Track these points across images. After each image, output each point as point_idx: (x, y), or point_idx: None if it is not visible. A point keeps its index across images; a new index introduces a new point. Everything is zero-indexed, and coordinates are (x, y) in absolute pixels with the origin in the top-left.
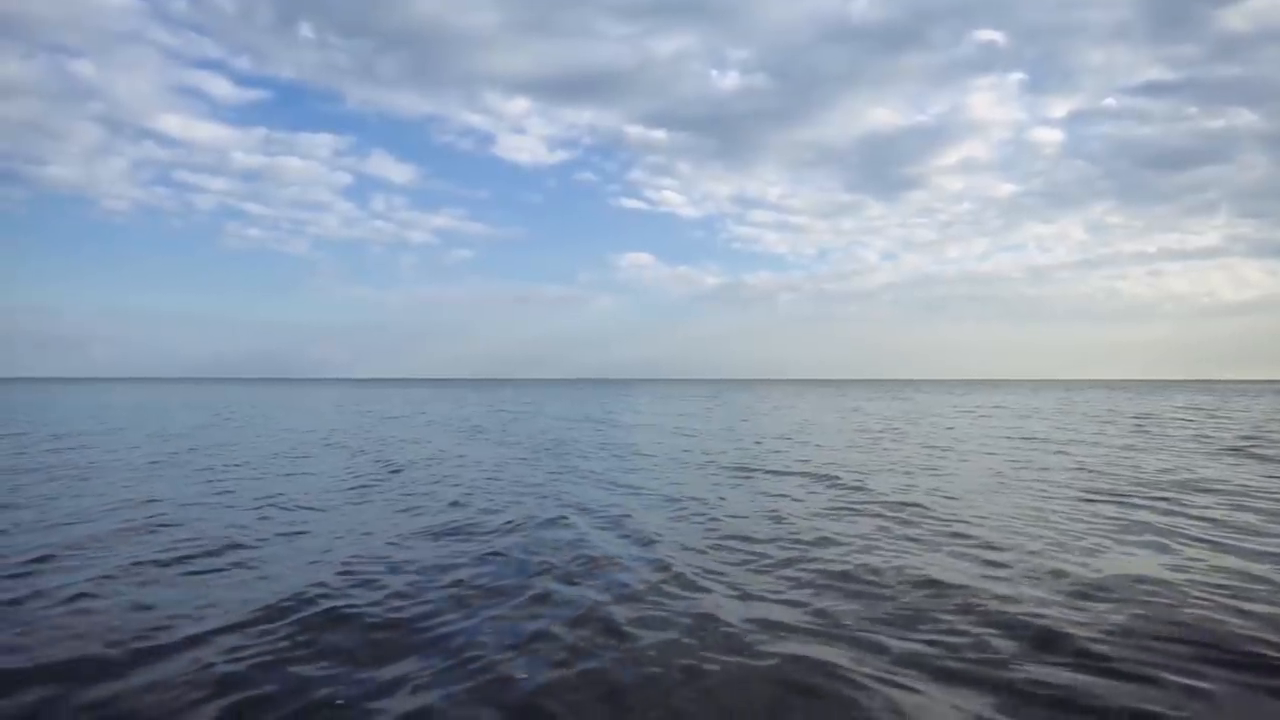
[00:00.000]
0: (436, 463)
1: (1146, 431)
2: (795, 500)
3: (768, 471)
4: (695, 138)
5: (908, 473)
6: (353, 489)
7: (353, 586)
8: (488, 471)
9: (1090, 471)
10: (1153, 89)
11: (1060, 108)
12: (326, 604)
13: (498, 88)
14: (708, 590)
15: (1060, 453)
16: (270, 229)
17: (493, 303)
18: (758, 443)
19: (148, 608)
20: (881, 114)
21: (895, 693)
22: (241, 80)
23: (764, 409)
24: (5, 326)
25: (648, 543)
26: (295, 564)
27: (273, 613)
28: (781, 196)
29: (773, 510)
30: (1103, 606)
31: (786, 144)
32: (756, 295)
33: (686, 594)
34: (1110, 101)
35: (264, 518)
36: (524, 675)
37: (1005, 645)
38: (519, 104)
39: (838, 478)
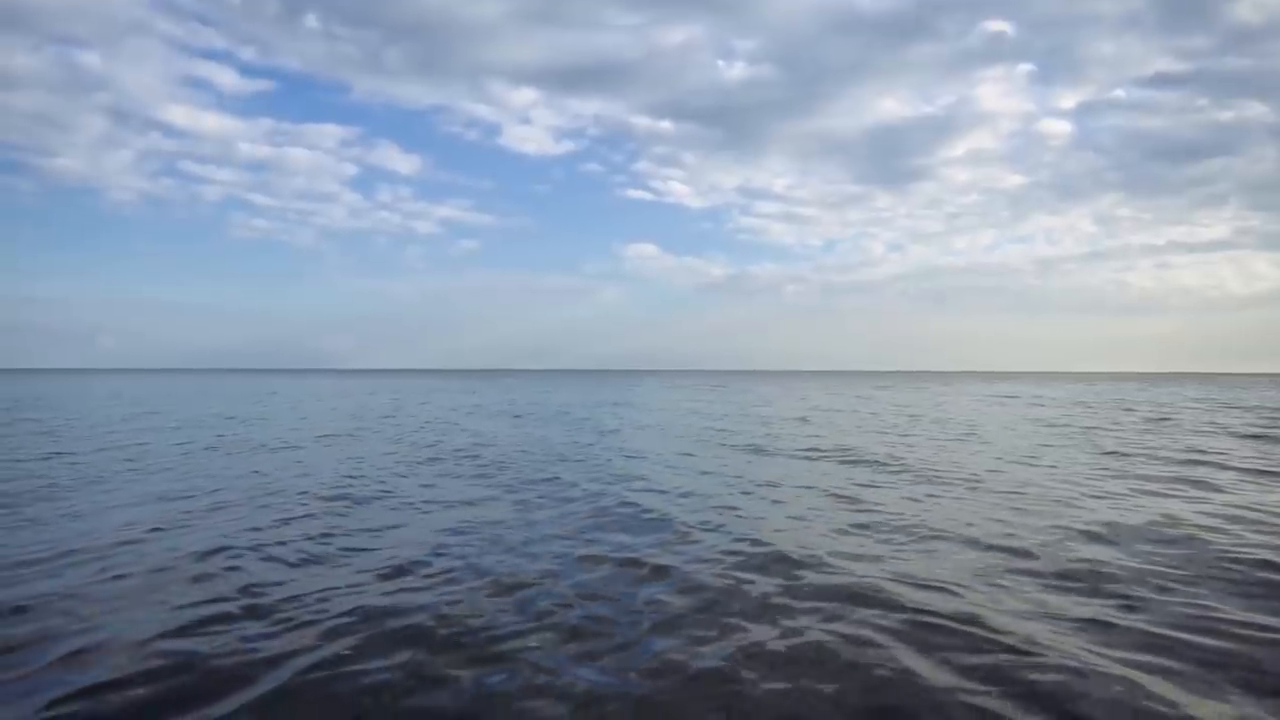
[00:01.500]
0: (485, 445)
1: (1167, 419)
2: (829, 475)
3: (799, 450)
4: (702, 128)
5: (939, 450)
6: (419, 464)
7: (462, 549)
8: (537, 451)
9: (1120, 455)
10: (1162, 80)
11: (1069, 99)
12: (445, 562)
13: (504, 78)
14: (774, 548)
15: (1082, 435)
16: (276, 220)
17: (499, 293)
18: (781, 426)
19: (269, 566)
20: (889, 105)
21: (958, 626)
22: (247, 71)
23: (776, 397)
24: (12, 318)
25: (718, 511)
26: (398, 534)
27: (394, 570)
28: (788, 187)
29: (818, 484)
30: (1152, 558)
31: (793, 135)
32: (762, 286)
33: (760, 552)
34: (1120, 93)
35: (351, 490)
36: (637, 637)
37: (1055, 589)
38: (525, 94)
39: (872, 457)
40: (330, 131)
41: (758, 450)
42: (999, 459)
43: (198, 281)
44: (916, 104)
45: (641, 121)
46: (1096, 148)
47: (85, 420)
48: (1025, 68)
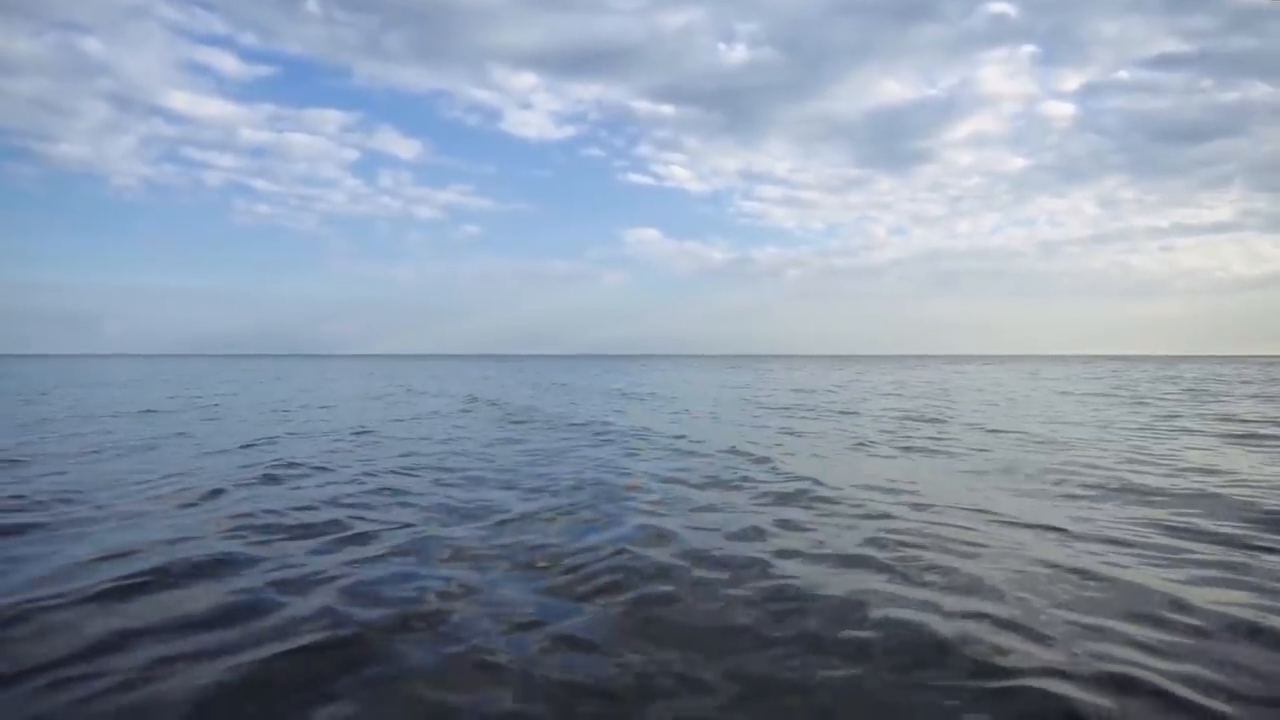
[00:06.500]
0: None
1: (1195, 391)
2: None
3: (861, 414)
4: (703, 112)
5: (978, 414)
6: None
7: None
8: (612, 420)
9: (1150, 413)
10: (1166, 61)
11: (1072, 81)
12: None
13: (505, 62)
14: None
15: (1114, 408)
16: (278, 205)
17: (501, 278)
18: (817, 403)
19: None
20: (891, 87)
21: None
22: (248, 56)
23: (791, 379)
24: (17, 304)
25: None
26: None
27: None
28: (790, 171)
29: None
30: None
31: (795, 118)
32: (764, 271)
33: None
34: (1123, 74)
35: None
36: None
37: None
38: (526, 79)
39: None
40: (331, 117)
41: (812, 420)
42: (1057, 422)
43: (201, 267)
44: (919, 86)
45: (642, 105)
46: (1100, 130)
47: (150, 406)
48: (1028, 49)
